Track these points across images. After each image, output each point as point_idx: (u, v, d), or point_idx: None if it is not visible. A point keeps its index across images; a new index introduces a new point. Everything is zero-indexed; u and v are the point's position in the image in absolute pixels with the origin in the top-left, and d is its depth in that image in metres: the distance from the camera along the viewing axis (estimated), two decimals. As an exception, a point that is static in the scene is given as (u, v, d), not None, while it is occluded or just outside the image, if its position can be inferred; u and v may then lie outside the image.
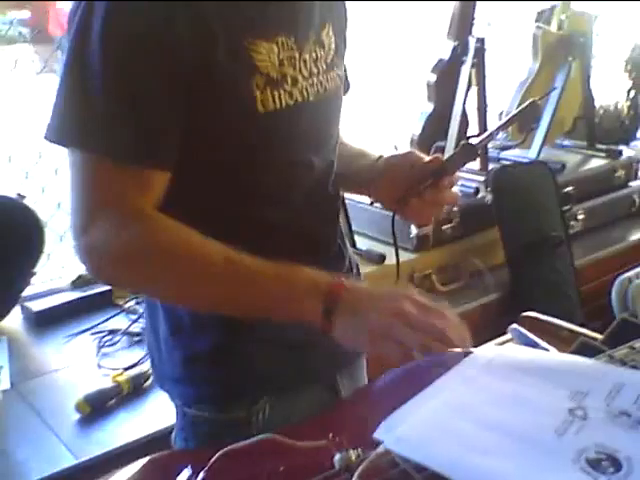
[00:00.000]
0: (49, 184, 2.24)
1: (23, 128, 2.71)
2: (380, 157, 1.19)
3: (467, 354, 0.71)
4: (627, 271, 2.25)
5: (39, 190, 2.30)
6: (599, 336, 0.88)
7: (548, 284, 2.28)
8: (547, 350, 0.87)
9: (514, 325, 0.98)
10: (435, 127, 2.46)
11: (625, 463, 0.53)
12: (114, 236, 0.87)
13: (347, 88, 1.24)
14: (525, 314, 1.00)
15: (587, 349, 0.75)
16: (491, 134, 1.13)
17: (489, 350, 0.73)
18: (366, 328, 0.82)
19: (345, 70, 1.20)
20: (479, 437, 0.58)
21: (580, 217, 2.59)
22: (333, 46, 1.09)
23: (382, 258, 2.07)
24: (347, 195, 2.15)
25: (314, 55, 1.04)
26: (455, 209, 2.26)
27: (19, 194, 2.00)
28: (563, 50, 2.67)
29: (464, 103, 2.37)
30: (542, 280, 2.29)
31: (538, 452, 0.56)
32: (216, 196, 1.01)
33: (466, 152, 1.10)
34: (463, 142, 1.09)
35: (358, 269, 1.31)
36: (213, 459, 0.63)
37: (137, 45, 0.86)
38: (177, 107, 0.90)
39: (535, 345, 0.89)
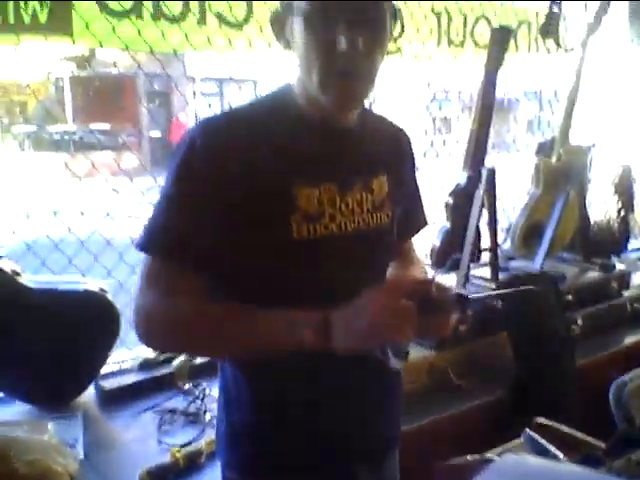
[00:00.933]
0: (127, 280, 2.32)
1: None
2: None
3: (487, 461, 0.73)
4: (623, 373, 2.22)
5: (118, 285, 2.37)
6: (602, 445, 0.89)
7: (552, 382, 2.26)
8: (557, 456, 0.88)
9: (527, 431, 0.99)
10: (452, 241, 2.51)
11: None
12: (152, 308, 1.00)
13: (418, 225, 1.35)
14: (537, 420, 1.02)
15: (591, 459, 0.77)
16: (486, 297, 1.26)
17: (506, 460, 0.75)
18: (364, 322, 0.86)
19: (409, 211, 1.26)
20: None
21: (579, 322, 2.58)
22: (384, 193, 1.13)
23: (406, 354, 2.09)
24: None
25: (358, 197, 1.08)
26: (470, 312, 2.28)
27: (101, 289, 2.07)
28: (562, 179, 2.73)
29: (478, 222, 2.43)
30: (546, 378, 2.26)
31: None
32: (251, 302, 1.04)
33: (459, 303, 1.00)
34: (458, 293, 1.00)
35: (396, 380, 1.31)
36: None
37: (191, 178, 1.00)
38: (217, 228, 0.99)
39: (546, 451, 0.90)
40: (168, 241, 1.00)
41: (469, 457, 0.77)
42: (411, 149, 1.29)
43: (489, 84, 2.39)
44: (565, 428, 0.96)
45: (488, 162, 2.53)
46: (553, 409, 1.37)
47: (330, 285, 1.05)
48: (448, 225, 2.53)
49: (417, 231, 1.37)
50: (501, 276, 2.54)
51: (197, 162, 1.00)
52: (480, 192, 2.34)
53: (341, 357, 0.98)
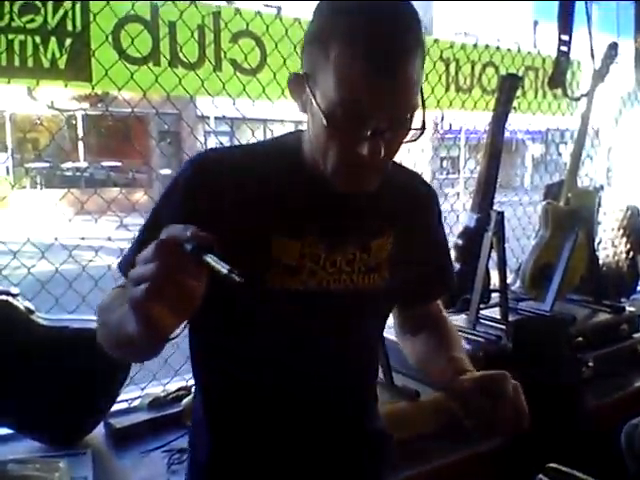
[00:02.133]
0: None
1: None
2: (466, 372, 1.09)
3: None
4: (635, 416, 2.20)
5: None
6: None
7: (564, 424, 2.24)
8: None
9: (540, 476, 1.00)
10: (463, 282, 2.53)
11: None
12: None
13: (436, 292, 1.24)
14: (549, 465, 1.02)
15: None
16: None
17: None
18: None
19: (428, 275, 1.15)
20: None
21: (590, 364, 2.57)
22: (384, 255, 1.05)
23: (417, 394, 2.09)
24: (385, 334, 2.21)
25: (351, 257, 1.00)
26: (481, 354, 2.29)
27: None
28: (571, 222, 2.75)
29: (487, 263, 2.45)
30: (558, 420, 2.25)
31: None
32: (220, 355, 1.03)
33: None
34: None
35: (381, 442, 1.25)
36: None
37: (167, 209, 0.98)
38: None
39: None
40: (128, 266, 0.93)
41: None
42: (436, 208, 1.19)
43: (497, 129, 2.44)
44: (577, 473, 0.96)
45: (496, 203, 2.56)
46: (565, 453, 1.37)
47: (300, 342, 1.01)
48: (457, 266, 2.55)
49: (435, 297, 1.27)
50: (511, 317, 2.55)
51: (176, 195, 0.97)
52: (489, 234, 2.37)
53: (313, 413, 0.97)
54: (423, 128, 0.92)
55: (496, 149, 2.44)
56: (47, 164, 14.65)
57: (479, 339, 2.39)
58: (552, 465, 1.00)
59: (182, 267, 0.67)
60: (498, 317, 2.57)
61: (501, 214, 2.37)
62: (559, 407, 2.28)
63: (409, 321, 1.29)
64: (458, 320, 2.56)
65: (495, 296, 2.63)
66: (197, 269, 0.68)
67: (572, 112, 3.35)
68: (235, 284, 0.69)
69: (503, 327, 2.45)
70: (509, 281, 3.13)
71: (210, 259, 0.69)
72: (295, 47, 2.35)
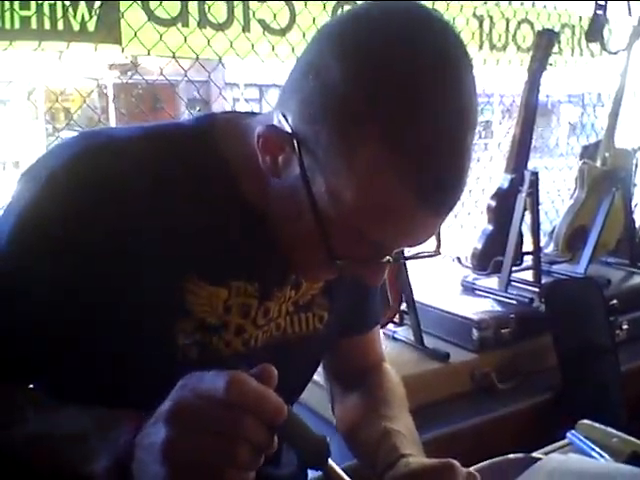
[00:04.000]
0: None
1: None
2: (401, 458, 0.74)
3: (533, 460, 0.74)
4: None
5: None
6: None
7: (596, 387, 2.23)
8: (603, 456, 0.88)
9: (572, 432, 0.99)
10: (494, 244, 2.50)
11: None
12: None
13: (373, 320, 0.97)
14: (581, 422, 1.02)
15: (636, 459, 0.77)
16: None
17: (552, 459, 0.75)
18: (157, 459, 0.48)
19: (361, 302, 0.92)
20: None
21: (624, 327, 2.54)
22: (320, 286, 0.81)
23: (447, 356, 2.09)
24: (416, 298, 2.20)
25: (282, 298, 0.77)
26: (512, 316, 2.27)
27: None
28: (607, 183, 2.69)
29: (520, 225, 2.41)
30: (590, 383, 2.24)
31: None
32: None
33: None
34: None
35: None
36: None
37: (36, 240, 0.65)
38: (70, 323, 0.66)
39: (591, 452, 0.90)
40: None
41: (512, 456, 0.78)
42: None
43: (532, 87, 2.37)
44: (610, 429, 0.96)
45: (531, 166, 2.51)
46: (598, 413, 1.36)
47: None
48: (490, 228, 2.52)
49: (370, 326, 0.99)
50: (544, 280, 2.52)
51: (53, 215, 0.64)
52: (523, 195, 2.33)
53: None
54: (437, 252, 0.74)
55: (530, 107, 2.38)
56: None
57: (511, 301, 2.38)
58: (584, 422, 0.99)
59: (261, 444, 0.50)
60: (531, 280, 2.55)
61: (535, 174, 2.32)
62: (592, 370, 2.27)
63: (342, 368, 1.00)
64: (490, 282, 2.54)
65: (528, 259, 2.60)
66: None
67: (609, 72, 3.25)
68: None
69: (536, 289, 2.43)
70: (543, 244, 3.09)
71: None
72: (325, 6, 2.32)
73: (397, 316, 2.30)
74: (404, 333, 2.26)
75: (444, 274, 2.75)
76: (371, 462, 0.77)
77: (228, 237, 0.71)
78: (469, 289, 2.56)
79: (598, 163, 2.78)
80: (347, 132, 0.57)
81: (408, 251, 0.77)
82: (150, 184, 0.67)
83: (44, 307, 0.65)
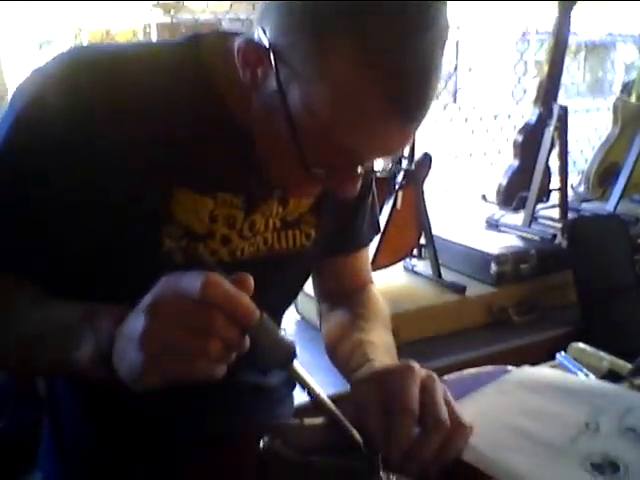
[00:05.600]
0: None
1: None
2: (367, 363, 0.74)
3: (506, 371, 0.74)
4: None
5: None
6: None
7: (616, 325, 2.20)
8: (587, 375, 0.87)
9: (563, 354, 0.99)
10: (519, 180, 2.44)
11: (623, 468, 0.55)
12: None
13: (359, 241, 0.95)
14: (573, 344, 1.01)
15: (614, 376, 0.76)
16: None
17: (525, 369, 0.75)
18: (135, 345, 0.51)
19: (351, 226, 0.91)
20: (506, 438, 0.62)
21: (649, 265, 2.47)
22: (309, 204, 0.81)
23: (463, 289, 2.08)
24: (434, 232, 2.19)
25: (268, 212, 0.77)
26: (533, 251, 2.24)
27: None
28: (641, 118, 2.59)
29: (547, 160, 2.35)
30: (610, 321, 2.20)
31: (552, 454, 0.58)
32: None
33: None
34: None
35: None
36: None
37: (29, 145, 0.66)
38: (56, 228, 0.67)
39: (577, 371, 0.90)
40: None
41: (484, 368, 0.78)
42: None
43: (563, 18, 2.26)
44: (602, 353, 0.95)
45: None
46: (616, 349, 1.35)
47: None
48: (516, 163, 2.46)
49: (361, 245, 0.97)
50: (570, 216, 2.46)
51: (52, 130, 0.65)
52: (550, 129, 2.25)
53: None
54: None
55: (561, 39, 2.28)
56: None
57: (533, 237, 2.34)
58: (577, 344, 0.98)
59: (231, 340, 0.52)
60: (557, 217, 2.50)
61: (564, 108, 2.24)
62: (612, 307, 2.23)
63: (329, 288, 1.00)
64: (514, 219, 2.50)
65: (555, 197, 2.54)
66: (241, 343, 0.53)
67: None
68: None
69: (560, 225, 2.38)
70: (576, 183, 3.01)
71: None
72: None
73: (416, 250, 2.30)
74: (423, 267, 2.25)
75: (469, 212, 2.71)
76: (346, 372, 0.78)
77: (214, 150, 0.72)
78: (493, 226, 2.52)
79: (633, 98, 2.67)
80: (320, 40, 0.57)
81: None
82: (141, 95, 0.68)
83: (35, 204, 0.67)
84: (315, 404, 0.57)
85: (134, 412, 0.77)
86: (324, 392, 0.58)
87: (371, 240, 0.98)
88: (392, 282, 2.20)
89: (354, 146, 0.62)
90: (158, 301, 0.51)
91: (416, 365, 0.62)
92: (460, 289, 2.07)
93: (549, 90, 2.34)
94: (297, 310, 2.19)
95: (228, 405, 0.80)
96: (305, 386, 0.56)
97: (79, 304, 0.64)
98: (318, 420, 0.63)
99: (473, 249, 2.24)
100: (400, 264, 2.25)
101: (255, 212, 0.76)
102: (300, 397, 1.04)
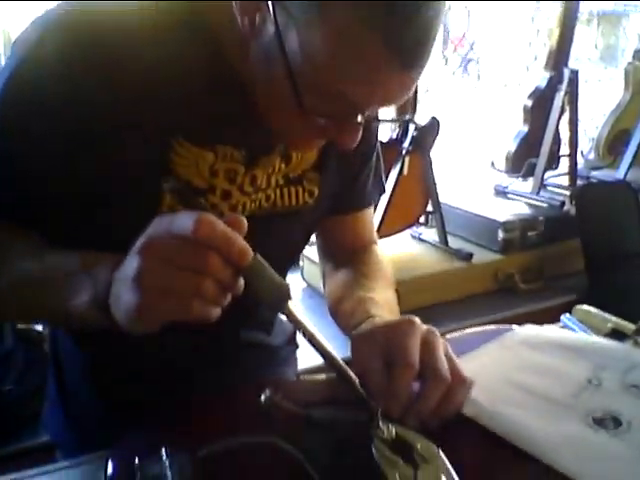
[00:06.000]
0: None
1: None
2: (368, 318, 0.73)
3: (509, 330, 0.74)
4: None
5: None
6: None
7: (622, 291, 2.19)
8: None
9: (568, 315, 0.98)
10: (529, 146, 2.41)
11: (625, 423, 0.55)
12: None
13: (363, 200, 0.93)
14: (578, 307, 1.00)
15: (618, 335, 0.76)
16: None
17: (529, 328, 0.75)
18: (129, 285, 0.50)
19: (350, 186, 0.89)
20: (508, 393, 0.61)
21: (659, 233, 2.45)
22: (312, 161, 0.80)
23: (470, 256, 2.07)
24: (441, 199, 2.17)
25: (270, 168, 0.76)
26: (541, 218, 2.22)
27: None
28: (653, 83, 2.54)
29: (557, 126, 2.31)
30: (617, 288, 2.20)
31: (554, 408, 0.58)
32: None
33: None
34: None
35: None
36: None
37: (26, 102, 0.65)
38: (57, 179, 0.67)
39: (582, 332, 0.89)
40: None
41: (487, 327, 0.78)
42: None
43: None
44: (607, 315, 0.94)
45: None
46: (623, 316, 1.34)
47: None
48: (525, 129, 2.42)
49: (365, 204, 0.95)
50: (579, 184, 2.43)
51: (48, 80, 0.64)
52: (561, 93, 2.21)
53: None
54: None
55: (571, 4, 2.22)
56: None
57: (542, 205, 2.32)
58: (581, 306, 0.97)
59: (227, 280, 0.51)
60: (565, 184, 2.47)
61: (575, 72, 2.19)
62: (620, 274, 2.22)
63: (332, 248, 0.99)
64: (522, 187, 2.48)
65: (565, 165, 2.51)
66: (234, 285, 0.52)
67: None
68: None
69: (568, 193, 2.35)
70: (586, 150, 2.97)
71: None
72: None
73: (423, 217, 2.29)
74: (429, 234, 2.24)
75: (478, 179, 2.69)
76: (348, 330, 0.77)
77: (212, 102, 0.70)
78: (501, 193, 2.50)
79: (645, 64, 2.62)
80: None
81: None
82: (138, 49, 0.66)
83: (35, 158, 0.66)
84: (311, 345, 0.56)
85: (135, 365, 0.77)
86: (322, 336, 0.57)
87: (375, 200, 0.96)
88: (399, 250, 2.20)
89: (353, 92, 0.60)
90: (151, 241, 0.51)
91: (417, 320, 0.62)
92: (467, 256, 2.07)
93: (560, 54, 2.29)
94: (303, 277, 2.19)
95: (231, 362, 0.80)
96: (300, 328, 0.55)
97: (78, 253, 0.63)
98: (319, 377, 0.63)
99: (480, 216, 2.22)
100: (407, 232, 2.24)
101: (256, 167, 0.74)
102: (304, 361, 1.04)
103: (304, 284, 2.18)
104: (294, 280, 2.20)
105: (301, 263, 2.21)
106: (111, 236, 0.65)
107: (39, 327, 1.57)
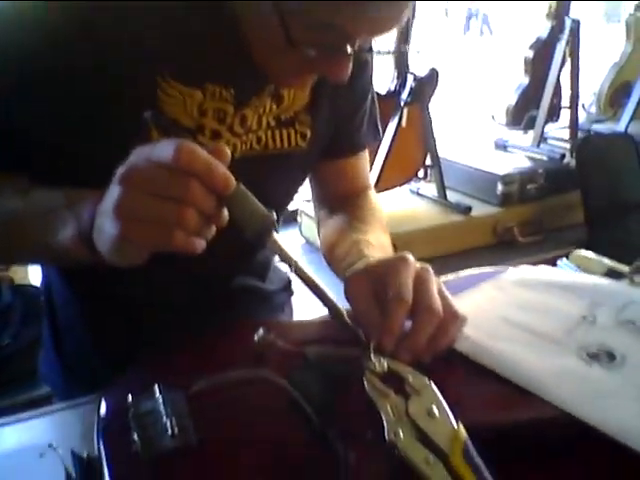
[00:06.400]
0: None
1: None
2: (362, 258, 0.71)
3: (504, 271, 0.73)
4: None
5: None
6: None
7: (622, 244, 2.19)
8: (588, 280, 0.87)
9: (564, 259, 0.97)
10: (529, 98, 2.38)
11: (619, 357, 0.55)
12: None
13: (357, 144, 0.90)
14: (576, 252, 0.99)
15: (614, 275, 0.76)
16: None
17: (524, 268, 0.74)
18: (109, 212, 0.49)
19: (347, 129, 0.86)
20: (501, 330, 0.61)
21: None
22: (304, 102, 0.78)
23: (468, 209, 2.07)
24: (440, 154, 2.15)
25: (260, 108, 0.74)
26: (540, 171, 2.21)
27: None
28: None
29: (558, 77, 2.28)
30: (617, 239, 2.19)
31: (547, 344, 0.58)
32: None
33: None
34: None
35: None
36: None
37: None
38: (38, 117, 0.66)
39: (579, 276, 0.89)
40: None
41: (482, 268, 0.77)
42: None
43: None
44: (605, 260, 0.94)
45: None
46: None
47: None
48: (526, 81, 2.39)
49: (359, 148, 0.92)
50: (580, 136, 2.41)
51: (17, 21, 0.64)
52: (562, 43, 2.17)
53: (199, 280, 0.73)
54: None
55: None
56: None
57: (542, 157, 2.30)
58: (579, 251, 0.97)
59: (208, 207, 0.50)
60: (566, 137, 2.45)
61: (577, 21, 2.15)
62: (620, 227, 2.21)
63: (327, 193, 0.96)
64: (523, 140, 2.45)
65: (567, 118, 2.48)
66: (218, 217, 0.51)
67: None
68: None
69: (569, 145, 2.33)
70: (587, 104, 2.93)
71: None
72: None
73: (422, 172, 2.27)
74: (428, 189, 2.23)
75: (478, 133, 2.66)
76: (341, 272, 0.77)
77: (202, 40, 0.68)
78: (501, 147, 2.48)
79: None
80: None
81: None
82: None
83: (16, 100, 0.64)
84: (297, 277, 0.55)
85: (130, 311, 0.77)
86: (309, 267, 0.56)
87: (370, 144, 0.94)
88: (398, 204, 2.19)
89: (340, 22, 0.58)
90: (131, 170, 0.49)
91: (410, 257, 0.61)
92: (465, 210, 2.06)
93: (561, 3, 2.24)
94: (301, 233, 2.19)
95: (225, 306, 0.80)
96: (286, 259, 0.54)
97: (62, 191, 0.62)
98: (313, 319, 0.63)
99: (480, 170, 2.21)
100: (406, 187, 2.23)
101: (246, 107, 0.71)
102: (301, 311, 1.04)
103: (302, 240, 2.18)
104: (292, 236, 2.20)
105: (299, 219, 2.20)
106: (96, 177, 0.65)
107: (36, 282, 1.58)
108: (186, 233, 0.49)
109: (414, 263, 0.60)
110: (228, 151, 0.51)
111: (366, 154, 0.96)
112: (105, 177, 0.55)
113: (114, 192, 0.49)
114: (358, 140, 0.91)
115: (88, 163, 0.67)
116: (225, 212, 0.51)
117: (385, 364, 0.50)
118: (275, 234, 0.53)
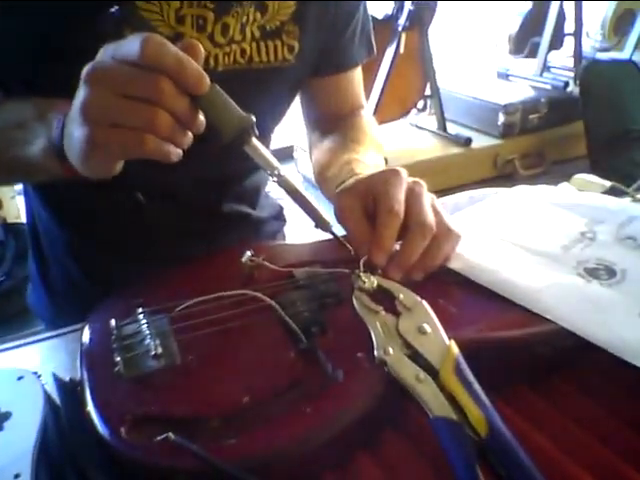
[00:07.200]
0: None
1: None
2: (354, 176, 0.67)
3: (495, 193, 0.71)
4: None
5: None
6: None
7: (625, 174, 2.15)
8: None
9: (564, 184, 0.95)
10: (532, 25, 2.30)
11: (619, 273, 0.53)
12: None
13: (349, 59, 0.85)
14: (577, 176, 0.97)
15: (616, 192, 0.73)
16: None
17: (523, 187, 0.72)
18: (80, 122, 0.45)
19: (338, 43, 0.81)
20: (497, 248, 0.59)
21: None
22: (290, 11, 0.73)
23: (468, 141, 2.02)
24: (440, 85, 2.09)
25: (243, 17, 0.69)
26: (543, 100, 2.15)
27: None
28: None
29: (561, 2, 2.19)
30: (620, 171, 2.16)
31: (544, 261, 0.56)
32: None
33: None
34: None
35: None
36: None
37: None
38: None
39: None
40: None
41: (480, 189, 0.74)
42: None
43: None
44: (606, 181, 0.91)
45: None
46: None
47: None
48: (529, 6, 2.30)
49: (354, 63, 0.87)
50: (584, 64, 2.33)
51: None
52: (566, -35, 2.08)
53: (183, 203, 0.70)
54: None
55: None
56: None
57: (545, 86, 2.23)
58: (580, 175, 0.94)
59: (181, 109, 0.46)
60: (569, 65, 2.37)
61: (583, -60, 2.05)
62: (623, 156, 2.17)
63: (318, 114, 0.92)
64: (524, 66, 2.38)
65: (571, 46, 2.39)
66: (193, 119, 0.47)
67: None
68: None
69: (572, 74, 2.26)
70: (592, 33, 2.83)
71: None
72: None
73: (421, 103, 2.22)
74: (427, 122, 2.18)
75: (481, 62, 2.59)
76: (333, 192, 0.73)
77: None
78: (503, 76, 2.41)
79: None
80: None
81: None
82: None
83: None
84: (280, 187, 0.52)
85: (117, 240, 0.75)
86: (290, 174, 0.53)
87: (362, 60, 0.89)
88: (396, 137, 2.14)
89: None
90: (96, 68, 0.46)
91: (402, 170, 0.58)
92: (465, 141, 2.02)
93: None
94: (298, 169, 2.15)
95: (215, 234, 0.78)
96: (268, 166, 0.50)
97: (32, 103, 0.59)
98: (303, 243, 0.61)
99: (480, 100, 2.15)
100: (405, 121, 2.18)
101: (227, 15, 0.67)
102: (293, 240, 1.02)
103: (300, 177, 2.15)
104: (288, 171, 2.17)
105: (295, 155, 2.16)
106: (70, 85, 0.62)
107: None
108: (158, 138, 0.46)
109: (406, 176, 0.57)
110: (201, 48, 0.47)
111: (359, 70, 0.91)
112: (78, 84, 0.52)
113: (80, 93, 0.46)
114: (350, 55, 0.86)
115: (61, 70, 0.63)
116: (201, 117, 0.47)
117: (375, 281, 0.48)
118: (255, 139, 0.49)
